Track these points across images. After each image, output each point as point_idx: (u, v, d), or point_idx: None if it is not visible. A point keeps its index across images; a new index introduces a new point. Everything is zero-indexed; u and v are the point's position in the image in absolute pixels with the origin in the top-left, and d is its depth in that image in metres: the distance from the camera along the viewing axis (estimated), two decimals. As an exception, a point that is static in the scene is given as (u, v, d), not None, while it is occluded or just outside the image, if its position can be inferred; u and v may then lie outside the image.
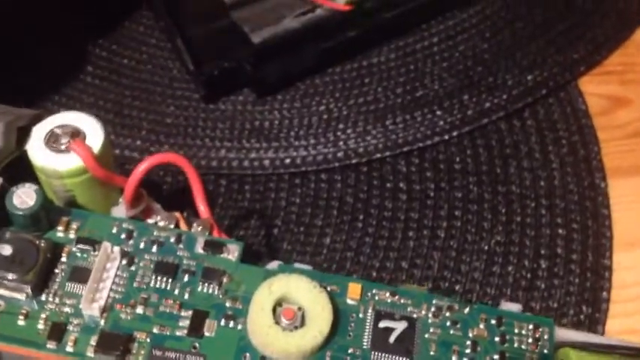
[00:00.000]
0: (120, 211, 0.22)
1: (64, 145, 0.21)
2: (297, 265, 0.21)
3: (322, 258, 0.29)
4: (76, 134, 0.21)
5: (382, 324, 0.21)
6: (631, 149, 0.30)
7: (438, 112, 0.32)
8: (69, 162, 0.21)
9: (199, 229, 0.21)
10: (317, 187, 0.31)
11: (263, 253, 0.29)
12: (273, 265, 0.21)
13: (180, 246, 0.21)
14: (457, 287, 0.28)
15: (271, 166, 0.31)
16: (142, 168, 0.21)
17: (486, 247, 0.28)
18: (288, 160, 0.31)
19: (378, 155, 0.31)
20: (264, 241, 0.30)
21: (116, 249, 0.20)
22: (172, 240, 0.21)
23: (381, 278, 0.28)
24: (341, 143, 0.31)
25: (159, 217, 0.22)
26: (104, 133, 0.22)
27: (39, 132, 0.21)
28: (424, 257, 0.28)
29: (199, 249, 0.21)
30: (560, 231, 0.28)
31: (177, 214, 0.23)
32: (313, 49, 0.32)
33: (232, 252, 0.21)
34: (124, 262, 0.20)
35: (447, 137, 0.31)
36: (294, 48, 0.32)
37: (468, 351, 0.20)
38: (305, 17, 0.33)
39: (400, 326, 0.21)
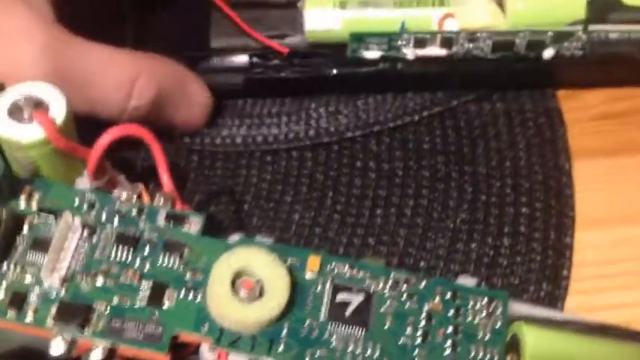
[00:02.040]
0: (84, 182, 0.22)
1: (27, 116, 0.21)
2: (258, 237, 0.22)
3: (291, 234, 0.29)
4: (39, 105, 0.21)
5: (340, 297, 0.21)
6: (596, 131, 0.31)
7: (409, 94, 0.32)
8: (32, 133, 0.21)
9: (161, 201, 0.22)
10: (288, 164, 0.31)
11: (229, 227, 0.29)
12: (235, 238, 0.22)
13: (142, 218, 0.21)
14: (422, 264, 0.28)
15: (243, 143, 0.31)
16: (104, 140, 0.22)
17: (451, 225, 0.29)
18: (260, 138, 0.31)
19: (349, 134, 0.31)
20: (234, 217, 0.30)
21: (77, 219, 0.21)
22: (134, 212, 0.21)
23: (348, 254, 0.28)
24: (312, 122, 0.32)
25: (122, 189, 0.22)
26: (67, 104, 0.22)
27: (1, 103, 0.21)
28: (391, 234, 0.29)
29: (161, 221, 0.21)
30: (523, 210, 0.29)
31: (141, 186, 0.23)
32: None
33: (194, 224, 0.21)
34: (86, 233, 0.21)
35: (417, 118, 0.32)
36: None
37: (422, 324, 0.21)
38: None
39: (357, 299, 0.21)
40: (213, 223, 0.28)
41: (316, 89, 0.32)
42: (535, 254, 0.28)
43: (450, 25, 0.30)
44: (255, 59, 0.32)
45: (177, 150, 0.31)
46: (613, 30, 0.29)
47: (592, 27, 0.29)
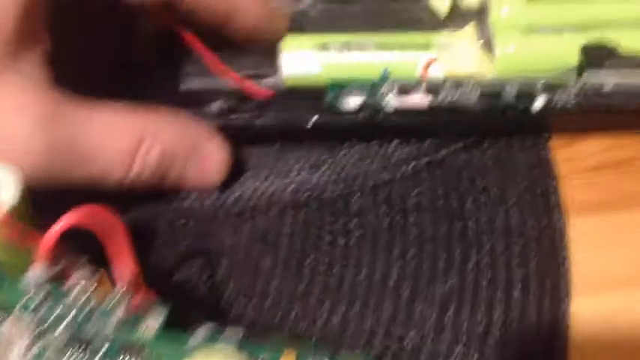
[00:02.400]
0: (34, 274, 0.20)
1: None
2: (225, 334, 0.20)
3: (269, 302, 0.27)
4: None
5: (316, 397, 0.19)
6: (593, 182, 0.29)
7: (394, 143, 0.30)
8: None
9: (120, 295, 0.20)
10: (265, 224, 0.29)
11: (203, 296, 0.27)
12: (198, 336, 0.20)
13: (97, 316, 0.19)
14: (411, 333, 0.26)
15: (217, 202, 0.29)
16: (57, 228, 0.20)
17: (441, 291, 0.27)
18: (235, 195, 0.30)
19: (331, 190, 0.30)
20: (208, 282, 0.28)
21: (24, 320, 0.19)
22: (88, 309, 0.19)
23: (331, 324, 0.27)
24: (292, 176, 0.30)
25: (79, 278, 0.20)
26: (21, 185, 0.20)
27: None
28: (375, 302, 0.27)
29: (116, 322, 0.19)
30: (517, 273, 0.27)
31: (101, 273, 0.21)
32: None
33: (152, 324, 0.19)
34: (35, 333, 0.19)
35: (403, 170, 0.30)
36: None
37: None
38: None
39: (335, 400, 0.19)
40: (183, 299, 0.27)
41: (295, 138, 0.30)
42: (530, 324, 0.26)
43: (435, 71, 0.29)
44: (228, 104, 0.30)
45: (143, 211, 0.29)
46: (608, 80, 0.28)
47: (585, 76, 0.28)
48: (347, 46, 0.29)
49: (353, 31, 0.31)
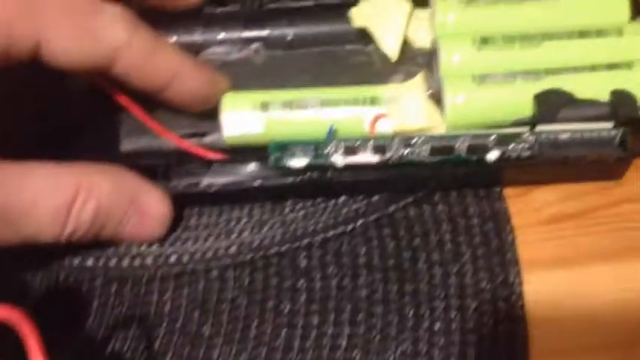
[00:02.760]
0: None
1: None
2: None
3: (210, 376, 0.26)
4: None
5: None
6: (550, 237, 0.28)
7: (342, 198, 0.29)
8: None
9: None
10: (206, 287, 0.27)
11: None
12: None
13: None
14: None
15: (154, 264, 0.28)
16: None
17: (392, 359, 0.25)
18: (173, 257, 0.28)
19: (276, 249, 0.28)
20: (145, 353, 0.26)
21: None
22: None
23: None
24: (234, 236, 0.28)
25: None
26: None
27: None
28: (323, 373, 0.25)
29: None
30: (470, 337, 0.26)
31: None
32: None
33: None
34: None
35: (351, 227, 0.28)
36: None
37: None
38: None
39: None
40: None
41: (239, 197, 0.29)
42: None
43: (383, 127, 0.27)
44: (170, 165, 0.28)
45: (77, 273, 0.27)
46: (563, 129, 0.26)
47: (540, 127, 0.26)
48: (289, 105, 0.27)
49: (299, 80, 0.29)
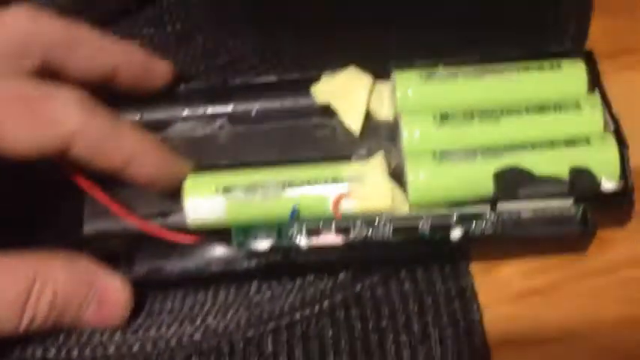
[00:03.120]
0: None
1: None
2: None
3: None
4: None
5: None
6: (517, 314, 0.27)
7: (308, 278, 0.28)
8: None
9: None
10: (169, 379, 0.27)
11: None
12: None
13: None
14: None
15: (117, 353, 0.27)
16: None
17: None
18: (137, 345, 0.27)
19: (242, 332, 0.27)
20: None
21: None
22: None
23: None
24: (198, 321, 0.28)
25: None
26: None
27: None
28: None
29: None
30: None
31: None
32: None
33: None
34: None
35: (317, 309, 0.28)
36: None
37: None
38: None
39: None
40: None
41: (202, 281, 0.28)
42: None
43: (347, 206, 0.27)
44: (132, 249, 0.28)
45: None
46: (525, 208, 0.26)
47: (501, 206, 0.26)
48: (252, 188, 0.27)
49: (264, 155, 0.30)
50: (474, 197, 0.27)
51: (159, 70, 0.30)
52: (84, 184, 0.27)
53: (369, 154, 0.29)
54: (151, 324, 0.28)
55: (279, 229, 0.27)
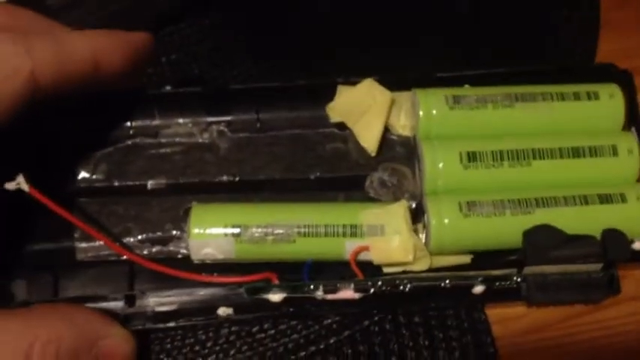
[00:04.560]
0: None
1: None
2: None
3: None
4: None
5: None
6: (529, 348, 0.27)
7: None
8: None
9: None
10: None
11: None
12: None
13: None
14: None
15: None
16: None
17: None
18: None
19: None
20: None
21: None
22: None
23: None
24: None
25: None
26: None
27: None
28: None
29: None
30: None
31: None
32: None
33: None
34: None
35: (322, 346, 0.27)
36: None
37: None
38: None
39: None
40: None
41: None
42: None
43: (364, 256, 0.25)
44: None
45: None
46: (552, 271, 0.25)
47: (528, 269, 0.25)
48: (264, 231, 0.25)
49: (269, 171, 0.27)
50: (498, 248, 0.25)
51: (140, 41, 0.26)
52: (67, 217, 0.24)
53: (384, 179, 0.27)
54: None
55: (293, 287, 0.25)
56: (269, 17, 0.32)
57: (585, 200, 0.25)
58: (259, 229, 0.25)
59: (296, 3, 0.32)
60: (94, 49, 0.24)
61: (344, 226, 0.25)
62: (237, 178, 0.27)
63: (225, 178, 0.27)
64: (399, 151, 0.28)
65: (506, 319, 0.28)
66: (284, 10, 0.32)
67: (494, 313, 0.28)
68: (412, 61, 0.30)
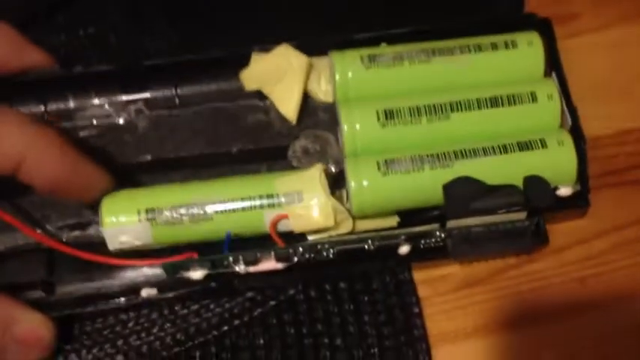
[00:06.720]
0: None
1: None
2: None
3: None
4: None
5: None
6: (456, 306, 0.27)
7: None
8: None
9: None
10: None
11: None
12: None
13: None
14: None
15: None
16: None
17: None
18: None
19: (166, 353, 0.25)
20: None
21: None
22: None
23: None
24: (120, 342, 0.25)
25: None
26: None
27: None
28: None
29: None
30: None
31: None
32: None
33: None
34: None
35: (247, 318, 0.26)
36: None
37: None
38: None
39: None
40: None
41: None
42: None
43: (284, 226, 0.24)
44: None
45: None
46: (475, 224, 0.24)
47: (451, 223, 0.24)
48: (178, 210, 0.24)
49: (190, 146, 0.26)
50: (421, 206, 0.25)
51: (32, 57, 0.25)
52: None
53: (307, 147, 0.26)
54: (70, 349, 0.25)
55: (213, 262, 0.24)
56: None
57: (505, 149, 0.24)
58: (174, 211, 0.24)
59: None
60: None
61: (260, 196, 0.24)
62: (158, 157, 0.26)
63: (145, 158, 0.26)
64: (321, 118, 0.27)
65: (433, 279, 0.27)
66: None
67: (422, 273, 0.27)
68: (333, 27, 0.29)
